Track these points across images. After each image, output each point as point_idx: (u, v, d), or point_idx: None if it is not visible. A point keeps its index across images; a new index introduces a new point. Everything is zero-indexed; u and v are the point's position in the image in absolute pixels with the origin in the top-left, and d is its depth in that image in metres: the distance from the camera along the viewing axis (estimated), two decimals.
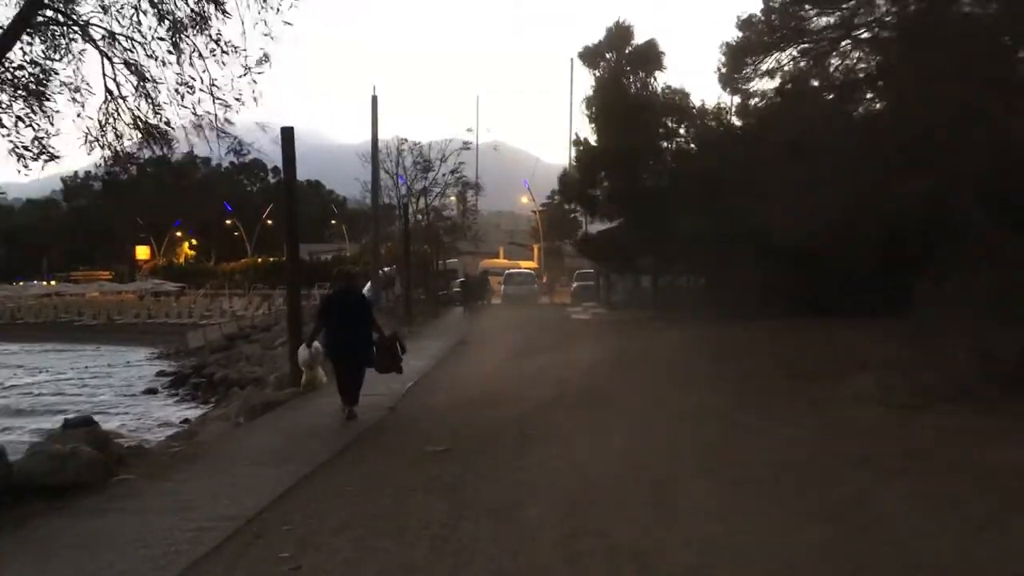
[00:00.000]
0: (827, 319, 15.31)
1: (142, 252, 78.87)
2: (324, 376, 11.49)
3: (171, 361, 34.51)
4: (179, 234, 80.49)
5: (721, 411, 8.97)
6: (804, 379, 10.58)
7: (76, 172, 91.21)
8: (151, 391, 25.26)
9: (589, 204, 21.44)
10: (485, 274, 39.64)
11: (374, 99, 33.92)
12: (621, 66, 23.57)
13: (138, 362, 36.29)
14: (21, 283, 69.61)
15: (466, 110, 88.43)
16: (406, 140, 29.82)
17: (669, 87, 21.02)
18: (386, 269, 32.60)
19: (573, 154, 24.12)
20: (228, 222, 76.34)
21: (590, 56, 25.52)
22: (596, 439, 7.87)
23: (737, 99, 21.35)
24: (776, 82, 19.80)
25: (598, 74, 24.70)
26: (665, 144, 21.00)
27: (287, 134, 11.48)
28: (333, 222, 66.28)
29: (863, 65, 19.69)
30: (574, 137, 24.45)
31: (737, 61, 21.39)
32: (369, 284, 33.09)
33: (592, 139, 23.31)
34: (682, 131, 20.73)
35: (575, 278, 35.61)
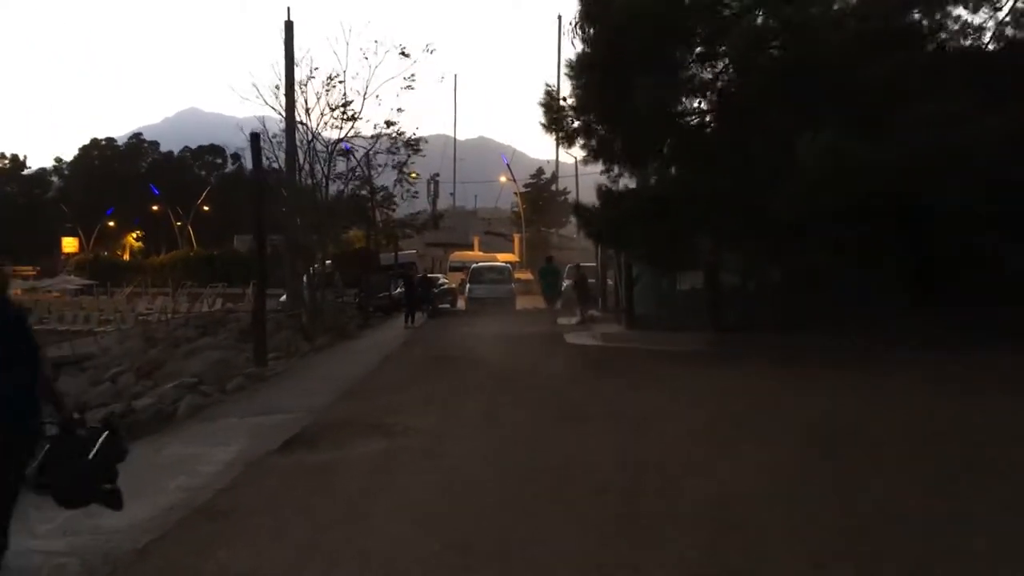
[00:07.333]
0: None
1: (69, 245, 68.93)
2: None
3: None
4: (112, 224, 70.47)
5: None
6: None
7: (3, 153, 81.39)
8: None
9: (601, 139, 11.25)
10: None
11: (288, 25, 24.81)
12: None
13: None
14: None
15: (444, 97, 79.28)
16: (317, 69, 21.60)
17: None
18: (316, 267, 23.66)
19: (564, 69, 13.61)
20: (155, 208, 66.37)
21: None
22: None
23: None
24: None
25: None
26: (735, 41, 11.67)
27: None
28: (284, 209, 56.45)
29: None
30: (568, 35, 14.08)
31: None
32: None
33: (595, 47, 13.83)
34: None
35: (566, 274, 26.26)
